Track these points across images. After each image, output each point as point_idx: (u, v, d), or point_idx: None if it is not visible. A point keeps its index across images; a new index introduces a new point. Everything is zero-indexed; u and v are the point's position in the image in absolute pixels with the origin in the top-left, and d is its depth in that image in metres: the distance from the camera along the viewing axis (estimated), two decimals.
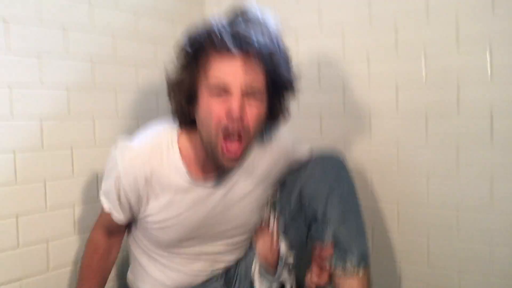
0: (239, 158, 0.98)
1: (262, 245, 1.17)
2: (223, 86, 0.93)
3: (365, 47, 1.40)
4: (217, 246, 1.15)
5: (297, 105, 1.52)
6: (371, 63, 1.39)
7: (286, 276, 1.16)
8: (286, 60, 1.01)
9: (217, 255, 1.16)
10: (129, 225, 1.17)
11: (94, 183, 1.33)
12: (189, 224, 1.08)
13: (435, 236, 1.32)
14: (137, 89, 1.47)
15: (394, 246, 1.39)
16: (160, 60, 1.51)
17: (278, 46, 0.98)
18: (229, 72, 0.93)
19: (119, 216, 1.09)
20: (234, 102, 0.92)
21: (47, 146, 1.22)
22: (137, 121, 1.46)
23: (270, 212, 1.18)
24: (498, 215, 1.22)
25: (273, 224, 1.16)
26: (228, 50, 0.91)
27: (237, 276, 1.19)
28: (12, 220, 1.16)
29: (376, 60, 1.39)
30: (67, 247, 1.29)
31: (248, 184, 1.11)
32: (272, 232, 1.15)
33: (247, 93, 0.94)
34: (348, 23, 1.42)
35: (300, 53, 1.51)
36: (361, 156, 1.42)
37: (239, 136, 0.95)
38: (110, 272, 1.20)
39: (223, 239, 1.14)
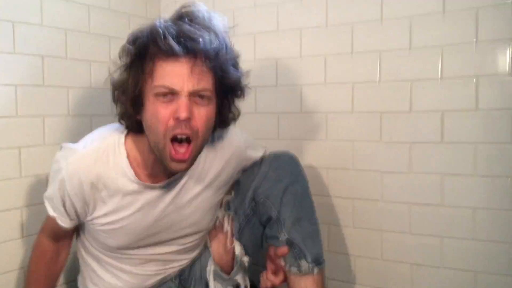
0: (188, 160, 0.95)
1: (216, 246, 1.17)
2: (169, 89, 0.90)
3: (322, 49, 1.42)
4: (169, 248, 1.12)
5: (254, 105, 1.53)
6: (328, 64, 1.41)
7: (241, 277, 1.16)
8: (233, 60, 0.99)
9: (170, 256, 1.14)
10: (77, 228, 1.13)
11: (42, 185, 1.29)
12: (137, 228, 1.05)
13: (388, 230, 1.35)
14: (90, 86, 1.42)
15: (349, 240, 1.42)
16: (114, 56, 1.47)
17: (225, 46, 0.95)
18: (175, 74, 0.90)
19: (64, 222, 1.05)
20: (181, 105, 0.89)
21: None
22: (90, 119, 1.42)
23: (224, 213, 1.17)
24: (448, 209, 1.27)
25: (227, 225, 1.15)
26: (173, 51, 0.89)
27: (192, 277, 1.18)
28: None
29: (332, 61, 1.40)
30: (13, 251, 1.24)
31: (198, 186, 1.08)
32: (227, 233, 1.15)
33: (194, 95, 0.91)
34: (306, 28, 1.44)
35: (258, 54, 1.52)
36: (318, 154, 1.44)
37: (188, 139, 0.93)
38: (59, 277, 1.17)
39: (174, 242, 1.12)
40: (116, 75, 0.98)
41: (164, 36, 0.89)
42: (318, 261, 1.07)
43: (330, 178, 1.43)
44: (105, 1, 1.46)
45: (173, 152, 0.92)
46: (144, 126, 0.97)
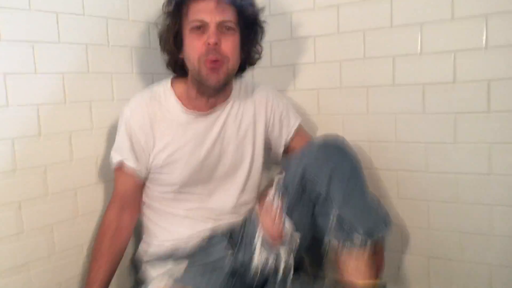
0: (222, 71, 1.15)
1: (265, 221, 1.18)
2: (200, 21, 1.14)
3: (360, 24, 1.40)
4: (219, 188, 1.27)
5: (293, 82, 1.53)
6: (366, 39, 1.39)
7: (285, 251, 1.17)
8: (251, 1, 1.22)
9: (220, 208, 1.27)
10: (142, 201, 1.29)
11: (94, 167, 1.35)
12: (192, 160, 1.22)
13: (435, 200, 1.34)
14: (131, 71, 1.46)
15: (394, 211, 1.41)
16: (154, 40, 1.50)
17: None
18: (204, 10, 1.14)
19: (133, 165, 1.21)
20: (211, 33, 1.13)
21: (45, 133, 1.22)
22: None
23: (275, 190, 1.19)
24: (497, 178, 1.24)
25: (277, 203, 1.16)
26: None
27: (241, 240, 1.22)
28: (14, 207, 1.16)
29: (371, 35, 1.39)
30: (70, 232, 1.30)
31: (238, 122, 1.28)
32: (276, 211, 1.16)
33: (221, 26, 1.14)
34: (343, 4, 1.42)
35: (294, 32, 1.52)
36: (359, 127, 1.44)
37: (220, 62, 1.14)
38: (121, 252, 1.25)
39: (222, 180, 1.27)
40: (160, 26, 1.24)
41: None
42: (370, 235, 1.07)
43: (372, 151, 1.42)
44: None
45: (207, 64, 1.13)
46: (185, 61, 1.20)
